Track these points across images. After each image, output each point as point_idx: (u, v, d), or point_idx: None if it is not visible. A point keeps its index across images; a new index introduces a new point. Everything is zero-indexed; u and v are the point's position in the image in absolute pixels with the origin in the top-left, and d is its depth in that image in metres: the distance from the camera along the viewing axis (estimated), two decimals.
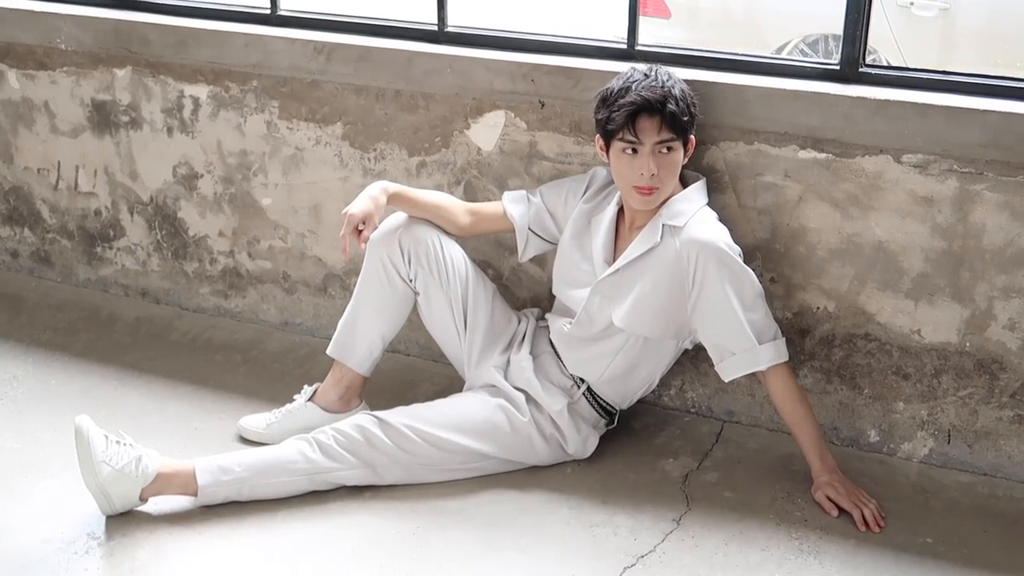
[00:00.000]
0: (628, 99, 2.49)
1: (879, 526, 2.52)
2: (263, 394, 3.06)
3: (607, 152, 2.58)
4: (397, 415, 2.66)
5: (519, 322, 2.90)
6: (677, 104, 2.49)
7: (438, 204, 2.81)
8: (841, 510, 2.55)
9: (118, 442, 2.53)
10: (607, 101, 2.55)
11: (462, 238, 2.86)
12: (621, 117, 2.50)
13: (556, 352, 2.78)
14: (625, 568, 2.40)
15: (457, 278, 2.79)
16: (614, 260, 2.67)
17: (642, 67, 2.58)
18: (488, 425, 2.66)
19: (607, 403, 2.76)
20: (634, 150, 2.51)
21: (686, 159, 2.58)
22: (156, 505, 2.57)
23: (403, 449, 2.61)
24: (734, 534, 2.51)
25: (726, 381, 2.64)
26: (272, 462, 2.58)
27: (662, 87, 2.50)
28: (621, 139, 2.52)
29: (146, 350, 3.36)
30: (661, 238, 2.57)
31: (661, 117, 2.48)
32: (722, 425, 2.95)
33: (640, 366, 2.71)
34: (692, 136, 2.57)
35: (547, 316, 2.88)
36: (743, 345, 2.55)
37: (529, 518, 2.56)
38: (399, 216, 2.80)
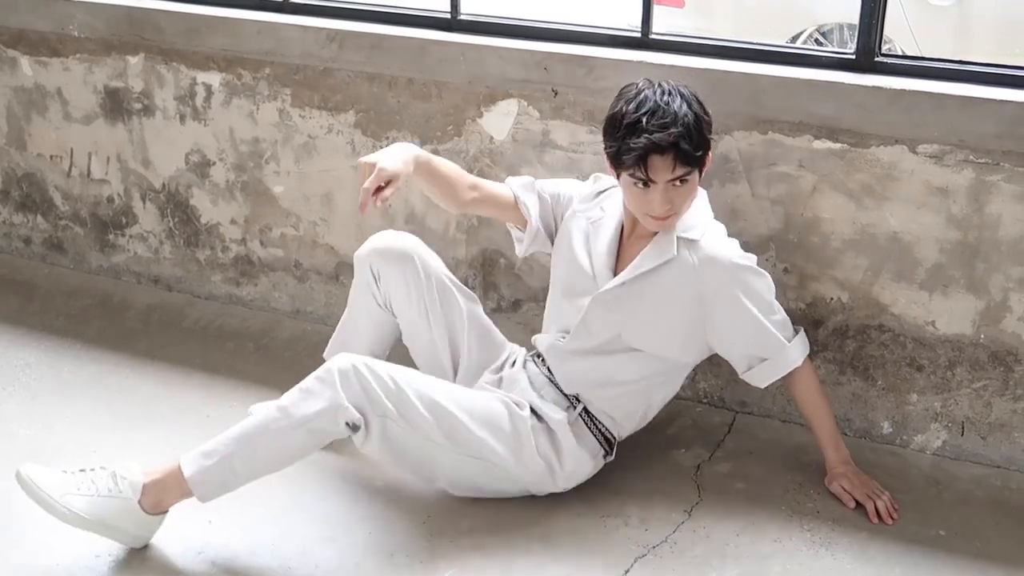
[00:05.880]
0: (639, 142, 2.30)
1: (892, 518, 2.51)
2: (275, 382, 3.05)
3: (617, 176, 2.43)
4: (384, 365, 2.44)
5: (507, 351, 2.77)
6: (691, 139, 2.31)
7: (449, 179, 2.62)
8: (855, 502, 2.54)
9: (82, 470, 2.38)
10: (616, 131, 2.36)
11: (459, 211, 2.74)
12: (631, 159, 2.32)
13: (551, 373, 2.62)
14: (636, 558, 2.39)
15: (443, 322, 2.69)
16: (617, 268, 2.57)
17: (654, 88, 2.36)
18: (488, 411, 2.49)
19: (605, 427, 2.60)
20: (646, 184, 2.36)
21: (702, 175, 2.44)
22: None
23: (388, 399, 2.40)
24: (745, 525, 2.50)
25: (763, 388, 2.59)
26: (250, 427, 2.39)
27: (674, 119, 2.30)
28: (632, 175, 2.36)
29: (158, 337, 3.37)
30: (677, 251, 2.45)
31: (674, 155, 2.31)
32: (734, 416, 2.94)
33: (640, 384, 2.57)
34: (709, 154, 2.41)
35: (534, 338, 2.70)
36: (773, 348, 2.50)
37: (540, 508, 2.55)
38: (388, 242, 2.70)
